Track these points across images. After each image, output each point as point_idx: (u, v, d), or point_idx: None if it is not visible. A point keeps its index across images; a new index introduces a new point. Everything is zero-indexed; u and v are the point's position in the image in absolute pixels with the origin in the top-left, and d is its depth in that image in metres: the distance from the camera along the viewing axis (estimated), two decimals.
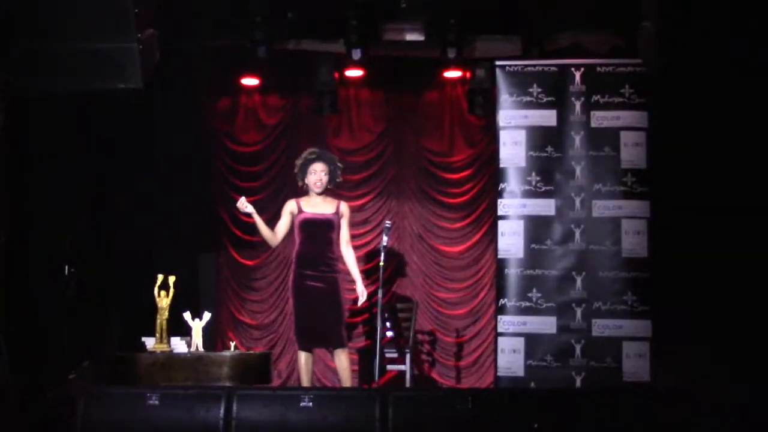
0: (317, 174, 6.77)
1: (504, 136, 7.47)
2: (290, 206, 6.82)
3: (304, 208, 6.77)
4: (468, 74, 8.31)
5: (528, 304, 7.29)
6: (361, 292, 6.80)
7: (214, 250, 8.79)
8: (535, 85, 7.46)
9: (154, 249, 8.26)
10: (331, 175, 6.82)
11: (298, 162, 6.89)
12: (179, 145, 8.46)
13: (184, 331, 6.79)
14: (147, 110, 7.96)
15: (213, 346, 8.03)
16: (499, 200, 7.45)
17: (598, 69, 7.44)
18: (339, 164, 6.90)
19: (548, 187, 7.37)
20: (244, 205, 6.67)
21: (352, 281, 8.27)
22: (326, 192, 6.84)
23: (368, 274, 8.48)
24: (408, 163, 8.79)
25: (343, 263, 6.88)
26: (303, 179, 6.85)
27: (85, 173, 7.88)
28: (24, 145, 7.30)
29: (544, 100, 7.44)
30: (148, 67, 6.60)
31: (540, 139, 7.42)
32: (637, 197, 7.30)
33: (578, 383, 7.09)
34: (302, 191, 6.90)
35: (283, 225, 6.82)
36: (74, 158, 7.74)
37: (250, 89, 8.71)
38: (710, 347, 7.12)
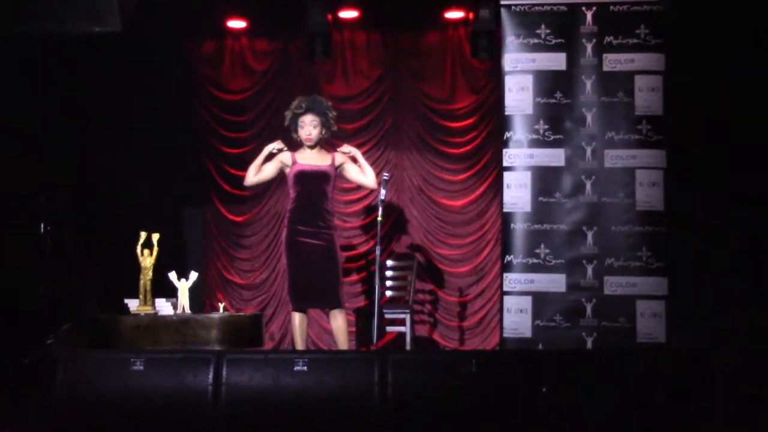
0: (306, 128, 6.58)
1: (510, 82, 7.21)
2: (283, 156, 6.62)
3: (298, 160, 6.60)
4: (471, 15, 8.21)
5: (535, 260, 7.11)
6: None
7: (200, 205, 8.67)
8: (543, 26, 7.21)
9: (137, 205, 8.15)
10: (324, 125, 6.62)
11: (288, 114, 6.70)
12: (161, 93, 8.32)
13: (170, 292, 6.75)
14: (127, 55, 7.83)
15: (201, 307, 7.97)
16: (504, 150, 7.21)
17: (611, 8, 7.16)
18: (332, 112, 6.69)
19: (557, 136, 7.14)
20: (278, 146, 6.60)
21: (348, 237, 8.48)
22: (320, 144, 6.65)
23: (366, 230, 8.55)
24: (407, 110, 8.63)
25: (339, 219, 6.67)
26: (295, 131, 6.67)
27: (61, 124, 7.75)
28: None
29: (553, 42, 7.20)
30: (127, 11, 6.47)
31: (548, 84, 7.17)
32: (653, 146, 7.05)
33: (589, 345, 6.94)
34: (297, 144, 6.72)
35: (267, 168, 6.61)
36: (50, 108, 7.63)
37: (236, 32, 8.54)
38: (729, 306, 7.04)
